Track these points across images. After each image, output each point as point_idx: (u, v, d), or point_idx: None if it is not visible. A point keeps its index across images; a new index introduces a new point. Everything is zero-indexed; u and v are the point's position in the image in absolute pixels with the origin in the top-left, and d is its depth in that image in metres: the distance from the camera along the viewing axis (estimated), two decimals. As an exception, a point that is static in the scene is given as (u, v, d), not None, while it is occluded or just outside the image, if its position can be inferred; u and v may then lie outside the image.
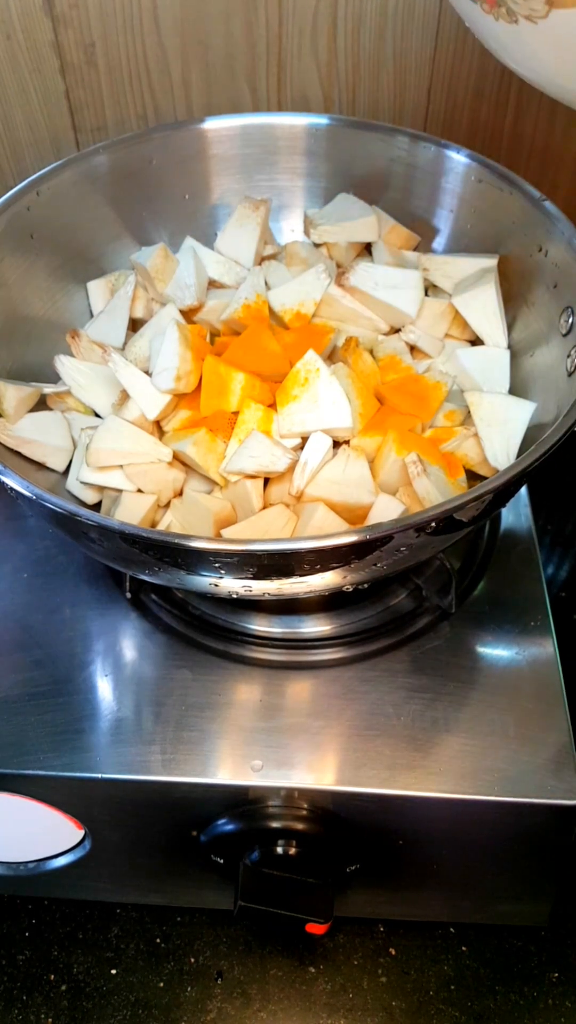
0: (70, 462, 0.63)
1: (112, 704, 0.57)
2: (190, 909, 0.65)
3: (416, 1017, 0.60)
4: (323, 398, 0.58)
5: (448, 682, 0.57)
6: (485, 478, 0.59)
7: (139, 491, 0.60)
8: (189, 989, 0.62)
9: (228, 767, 0.54)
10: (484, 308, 0.66)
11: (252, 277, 0.68)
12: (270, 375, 0.62)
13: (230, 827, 0.55)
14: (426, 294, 0.68)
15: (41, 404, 0.64)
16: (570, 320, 0.59)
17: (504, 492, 0.50)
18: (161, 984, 0.62)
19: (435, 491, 0.56)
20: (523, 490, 0.69)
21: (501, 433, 0.60)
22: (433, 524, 0.47)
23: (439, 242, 0.73)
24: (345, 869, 0.57)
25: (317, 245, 0.73)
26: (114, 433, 0.60)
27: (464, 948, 0.63)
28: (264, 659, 0.59)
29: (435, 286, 0.69)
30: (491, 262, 0.67)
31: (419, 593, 0.62)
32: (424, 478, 0.56)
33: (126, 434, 0.60)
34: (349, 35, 0.80)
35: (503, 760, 0.54)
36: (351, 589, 0.54)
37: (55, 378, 0.66)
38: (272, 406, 0.60)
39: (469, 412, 0.62)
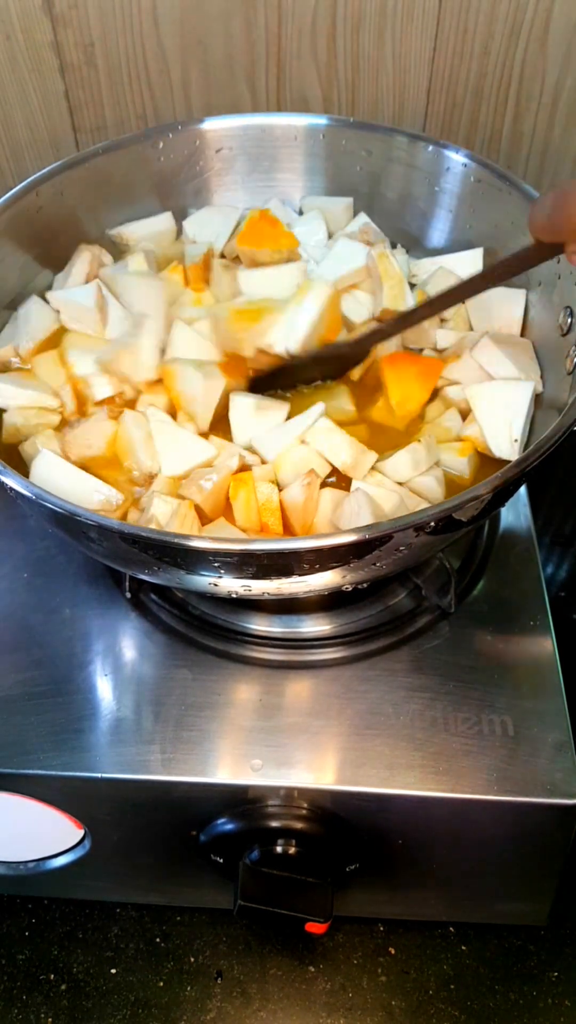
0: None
1: (112, 704, 0.57)
2: (190, 909, 0.65)
3: (416, 1016, 0.60)
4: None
5: (448, 682, 0.57)
6: (499, 461, 0.59)
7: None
8: (189, 988, 0.62)
9: (228, 766, 0.54)
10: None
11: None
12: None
13: (230, 826, 0.55)
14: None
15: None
16: (569, 320, 0.59)
17: (503, 491, 0.50)
18: (161, 983, 0.62)
19: (438, 488, 0.56)
20: (522, 490, 0.69)
21: (504, 419, 0.60)
22: (432, 524, 0.47)
23: (438, 242, 0.73)
24: (345, 868, 0.57)
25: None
26: (173, 446, 0.60)
27: (464, 947, 0.63)
28: (264, 659, 0.59)
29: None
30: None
31: (419, 593, 0.63)
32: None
33: (181, 443, 0.60)
34: (349, 35, 0.80)
35: (503, 760, 0.54)
36: (351, 589, 0.54)
37: None
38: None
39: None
